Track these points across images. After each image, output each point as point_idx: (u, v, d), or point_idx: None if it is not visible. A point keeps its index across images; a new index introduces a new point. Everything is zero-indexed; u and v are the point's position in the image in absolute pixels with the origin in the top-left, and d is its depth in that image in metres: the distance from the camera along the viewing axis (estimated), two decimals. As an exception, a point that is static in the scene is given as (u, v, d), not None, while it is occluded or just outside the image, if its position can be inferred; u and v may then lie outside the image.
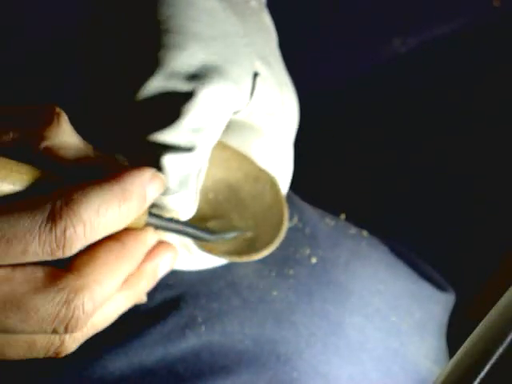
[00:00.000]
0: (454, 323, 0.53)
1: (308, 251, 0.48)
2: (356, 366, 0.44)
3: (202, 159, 0.36)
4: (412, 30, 0.67)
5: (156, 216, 0.33)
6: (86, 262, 0.29)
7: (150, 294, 0.41)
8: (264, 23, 0.46)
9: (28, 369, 0.41)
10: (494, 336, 0.29)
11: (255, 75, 0.40)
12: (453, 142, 0.65)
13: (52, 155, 0.30)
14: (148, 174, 0.30)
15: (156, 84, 0.36)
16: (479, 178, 0.63)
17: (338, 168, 0.68)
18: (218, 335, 0.42)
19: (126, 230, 0.32)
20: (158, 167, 0.34)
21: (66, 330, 0.29)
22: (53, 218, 0.27)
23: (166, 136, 0.35)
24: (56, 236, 0.27)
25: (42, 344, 0.30)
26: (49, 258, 0.27)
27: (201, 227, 0.37)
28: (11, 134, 0.29)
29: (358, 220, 0.54)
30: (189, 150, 0.35)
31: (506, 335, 0.28)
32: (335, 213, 0.54)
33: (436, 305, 0.51)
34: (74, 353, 0.32)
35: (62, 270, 0.29)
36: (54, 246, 0.27)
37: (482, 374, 0.28)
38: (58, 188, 0.28)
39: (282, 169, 0.45)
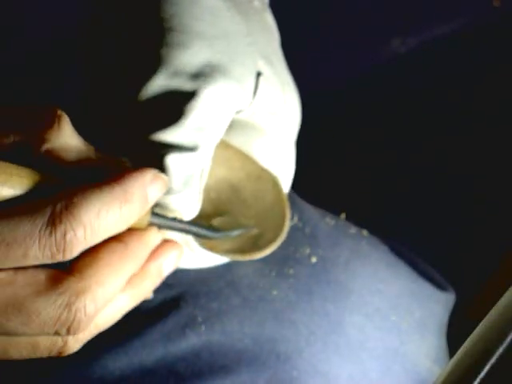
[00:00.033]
0: (453, 323, 0.53)
1: (308, 250, 0.48)
2: (356, 364, 0.44)
3: (206, 158, 0.36)
4: (412, 30, 0.67)
5: (159, 216, 0.33)
6: (88, 263, 0.29)
7: (150, 294, 0.41)
8: (267, 23, 0.46)
9: (28, 369, 0.41)
10: (493, 336, 0.29)
11: (258, 74, 0.40)
12: (453, 141, 0.65)
13: (53, 158, 0.30)
14: (150, 174, 0.30)
15: (159, 83, 0.36)
16: (479, 177, 0.63)
17: (337, 168, 0.68)
18: (218, 334, 0.42)
19: (129, 231, 0.31)
20: (162, 167, 0.34)
21: (68, 333, 0.28)
22: (53, 222, 0.27)
23: (169, 135, 0.35)
24: (56, 240, 0.27)
25: (45, 345, 0.30)
26: (49, 262, 0.27)
27: (205, 225, 0.37)
28: (12, 137, 0.29)
29: (358, 219, 0.54)
30: (192, 149, 0.35)
31: (505, 335, 0.28)
32: (335, 212, 0.54)
33: (436, 304, 0.51)
34: (74, 352, 0.32)
35: (64, 272, 0.29)
36: (54, 249, 0.27)
37: (482, 374, 0.28)
38: (59, 191, 0.28)
39: (283, 168, 0.45)
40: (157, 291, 0.42)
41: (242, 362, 0.42)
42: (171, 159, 0.34)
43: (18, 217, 0.27)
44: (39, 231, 0.26)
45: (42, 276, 0.28)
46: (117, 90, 0.39)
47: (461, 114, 0.65)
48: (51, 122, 0.30)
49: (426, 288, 0.52)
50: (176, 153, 0.34)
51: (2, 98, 0.55)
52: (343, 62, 0.69)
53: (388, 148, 0.67)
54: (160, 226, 0.33)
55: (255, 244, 0.40)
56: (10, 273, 0.27)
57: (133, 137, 0.36)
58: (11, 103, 0.31)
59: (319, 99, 0.66)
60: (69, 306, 0.28)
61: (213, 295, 0.44)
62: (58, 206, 0.27)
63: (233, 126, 0.43)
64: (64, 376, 0.41)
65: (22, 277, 0.28)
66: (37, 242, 0.26)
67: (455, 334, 0.53)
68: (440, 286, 0.53)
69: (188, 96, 0.35)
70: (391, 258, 0.52)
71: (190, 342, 0.42)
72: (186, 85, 0.36)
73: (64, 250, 0.27)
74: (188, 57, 0.37)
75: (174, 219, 0.34)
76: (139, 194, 0.30)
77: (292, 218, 0.49)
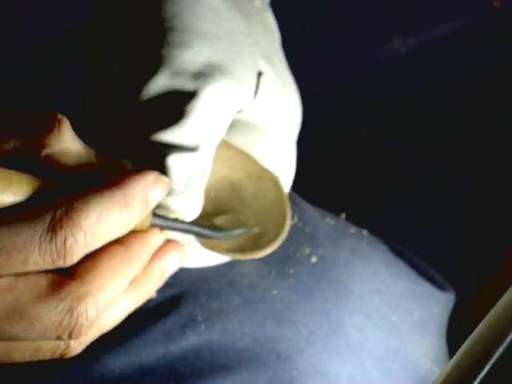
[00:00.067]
0: (454, 323, 0.53)
1: (308, 250, 0.48)
2: (356, 365, 0.44)
3: (207, 159, 0.36)
4: (412, 30, 0.67)
5: (161, 217, 0.33)
6: (89, 268, 0.29)
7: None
8: (267, 23, 0.46)
9: (28, 369, 0.41)
10: (493, 336, 0.29)
11: (259, 74, 0.40)
12: (453, 141, 0.65)
13: (53, 163, 0.30)
14: (150, 177, 0.30)
15: (160, 82, 0.36)
16: (479, 177, 0.64)
17: (337, 168, 0.68)
18: (218, 334, 0.42)
19: (131, 233, 0.31)
20: (163, 167, 0.34)
21: (70, 337, 0.28)
22: (53, 228, 0.27)
23: (170, 136, 0.35)
24: (56, 246, 0.27)
25: (47, 348, 0.30)
26: (50, 268, 0.27)
27: (206, 225, 0.37)
28: (12, 142, 0.29)
29: (358, 219, 0.54)
30: (193, 149, 0.35)
31: (505, 335, 0.28)
32: (335, 212, 0.54)
33: (436, 304, 0.51)
34: (74, 353, 0.32)
35: (65, 276, 0.28)
36: (55, 255, 0.27)
37: (482, 373, 0.28)
38: (59, 197, 0.28)
39: (284, 168, 0.45)
40: (157, 290, 0.42)
41: (242, 362, 0.42)
42: (173, 160, 0.34)
43: (19, 223, 0.26)
44: (39, 238, 0.26)
45: (43, 281, 0.28)
46: (117, 90, 0.39)
47: (461, 114, 0.65)
48: (51, 127, 0.30)
49: (426, 288, 0.52)
50: (177, 153, 0.34)
51: (2, 98, 0.55)
52: (343, 62, 0.70)
53: (388, 148, 0.67)
54: (162, 227, 0.33)
55: (256, 243, 0.40)
56: (11, 279, 0.27)
57: (133, 137, 0.36)
58: (11, 103, 0.31)
59: (319, 99, 0.66)
60: (70, 311, 0.28)
61: (213, 294, 0.44)
62: (58, 212, 0.27)
63: (234, 125, 0.43)
64: (64, 375, 0.40)
65: (22, 282, 0.27)
66: (37, 248, 0.26)
67: (455, 334, 0.53)
68: (440, 286, 0.53)
69: (189, 96, 0.35)
70: (391, 258, 0.52)
71: (190, 341, 0.42)
72: (187, 85, 0.36)
73: (65, 256, 0.27)
74: (189, 56, 0.37)
75: (176, 220, 0.34)
76: (140, 197, 0.29)
77: (292, 218, 0.49)
